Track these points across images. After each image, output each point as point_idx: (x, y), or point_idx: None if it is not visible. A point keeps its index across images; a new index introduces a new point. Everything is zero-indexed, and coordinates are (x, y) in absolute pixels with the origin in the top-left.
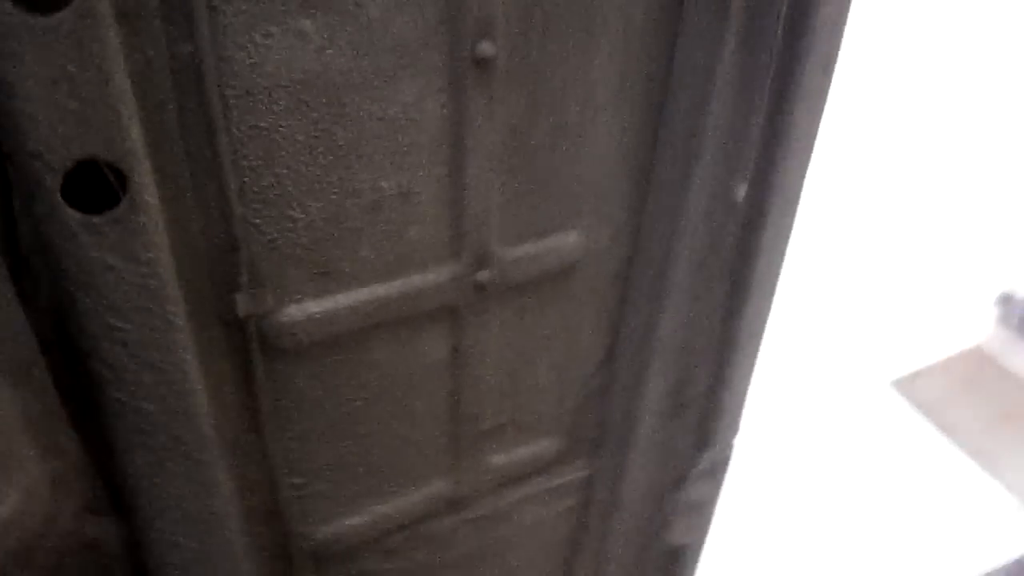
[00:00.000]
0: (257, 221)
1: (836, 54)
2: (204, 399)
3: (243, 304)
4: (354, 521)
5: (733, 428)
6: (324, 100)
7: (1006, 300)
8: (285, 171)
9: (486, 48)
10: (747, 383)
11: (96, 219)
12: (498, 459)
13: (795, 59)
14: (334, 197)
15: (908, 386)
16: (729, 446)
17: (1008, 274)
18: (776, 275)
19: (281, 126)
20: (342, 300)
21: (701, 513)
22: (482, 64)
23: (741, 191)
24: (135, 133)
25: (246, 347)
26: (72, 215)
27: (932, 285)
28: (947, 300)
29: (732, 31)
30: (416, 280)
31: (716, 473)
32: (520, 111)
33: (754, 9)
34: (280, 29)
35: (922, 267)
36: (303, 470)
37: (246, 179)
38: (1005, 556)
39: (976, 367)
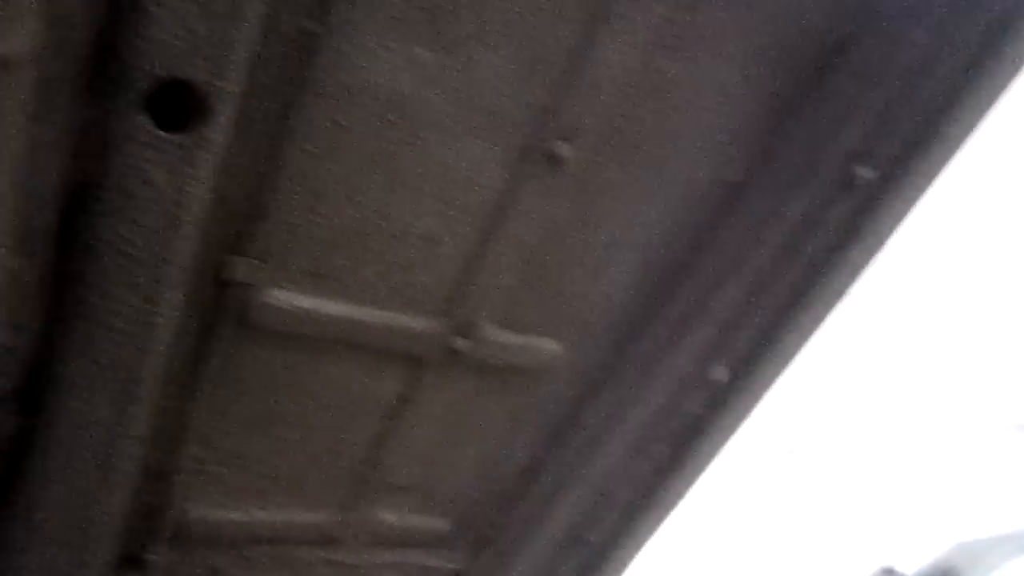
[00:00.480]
0: (293, 202)
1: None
2: (164, 339)
3: (241, 269)
4: (232, 516)
5: None
6: (404, 125)
7: None
8: (339, 170)
9: (563, 149)
10: (643, 546)
11: (166, 135)
12: (389, 517)
13: (830, 267)
14: (370, 213)
15: None
16: None
17: None
18: (715, 453)
19: (356, 130)
20: (328, 306)
21: None
22: (554, 161)
23: (722, 373)
24: (239, 75)
25: (222, 310)
26: (145, 122)
27: None
28: None
29: (776, 244)
30: (401, 319)
31: None
32: (565, 218)
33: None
34: (400, 47)
35: None
36: (211, 446)
37: (302, 163)
38: None
39: None
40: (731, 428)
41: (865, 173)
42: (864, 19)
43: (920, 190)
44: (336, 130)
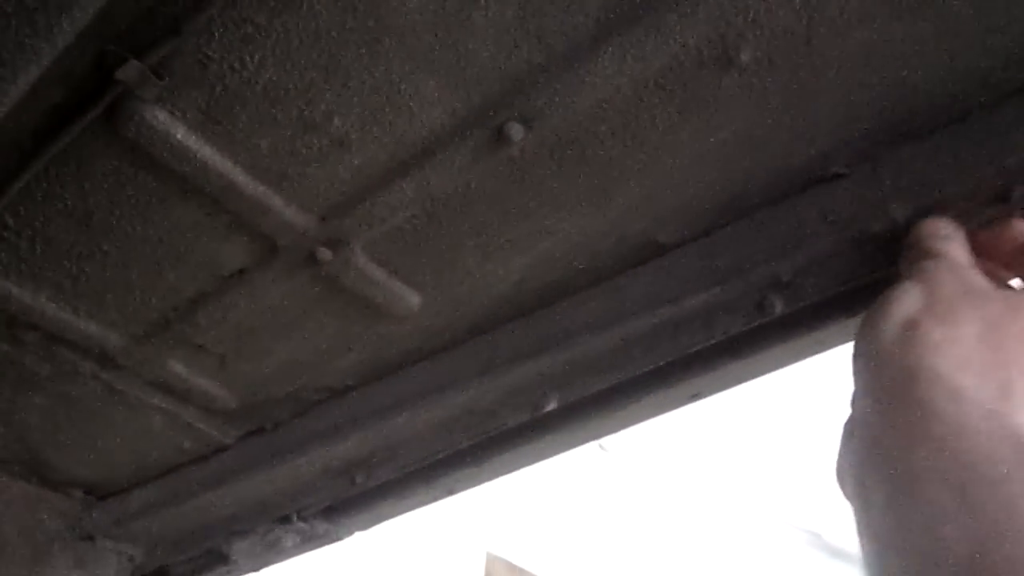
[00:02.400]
0: (215, 35)
1: None
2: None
3: (132, 74)
4: (17, 292)
5: None
6: (370, 25)
7: None
8: (281, 30)
9: (515, 130)
10: (408, 510)
11: None
12: (178, 368)
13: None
14: (293, 87)
15: None
16: None
17: None
18: (518, 467)
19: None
20: (207, 153)
21: None
22: (501, 137)
23: (551, 402)
24: None
25: (99, 103)
26: None
27: None
28: None
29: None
30: (275, 202)
31: None
32: (488, 193)
33: None
34: None
35: None
36: (23, 219)
37: (244, 3)
38: None
39: None
40: (543, 455)
41: (778, 303)
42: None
43: None
44: None
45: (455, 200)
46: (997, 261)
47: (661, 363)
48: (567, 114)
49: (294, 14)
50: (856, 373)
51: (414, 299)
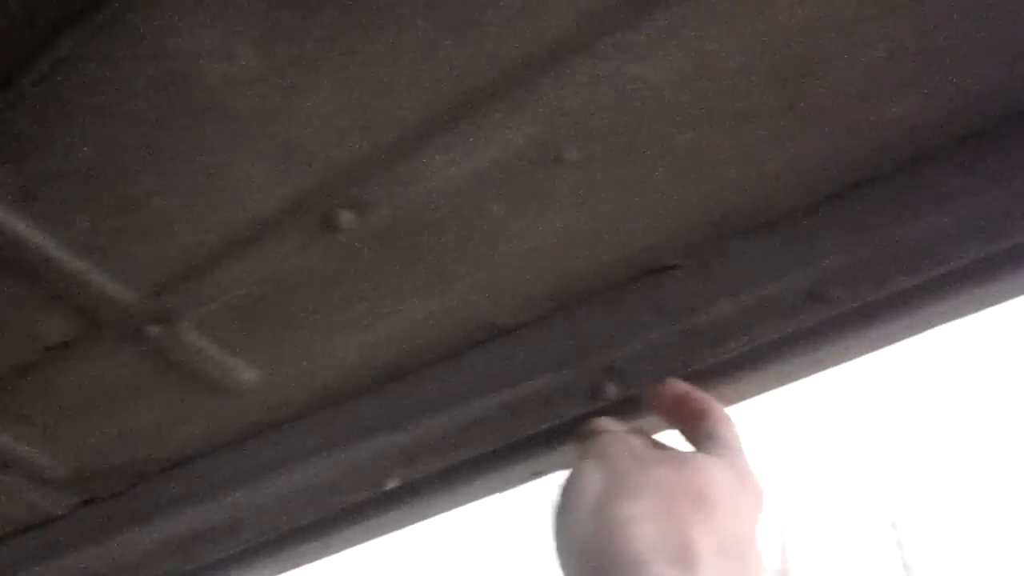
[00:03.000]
0: (37, 108)
1: None
2: None
3: None
4: None
5: None
6: (194, 107)
7: None
8: (105, 106)
9: (345, 218)
10: None
11: None
12: (1, 438)
13: None
14: (112, 164)
15: None
16: None
17: None
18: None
19: (141, 83)
20: (20, 228)
21: None
22: (330, 223)
23: (393, 481)
24: None
25: None
26: None
27: None
28: None
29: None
30: (97, 278)
31: None
32: (321, 275)
33: None
34: (222, 37)
35: None
36: None
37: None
38: None
39: None
40: (387, 530)
41: (612, 389)
42: None
43: None
44: (116, 71)
45: (289, 281)
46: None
47: (501, 444)
48: (399, 203)
49: (110, 95)
50: (562, 567)
51: (251, 374)
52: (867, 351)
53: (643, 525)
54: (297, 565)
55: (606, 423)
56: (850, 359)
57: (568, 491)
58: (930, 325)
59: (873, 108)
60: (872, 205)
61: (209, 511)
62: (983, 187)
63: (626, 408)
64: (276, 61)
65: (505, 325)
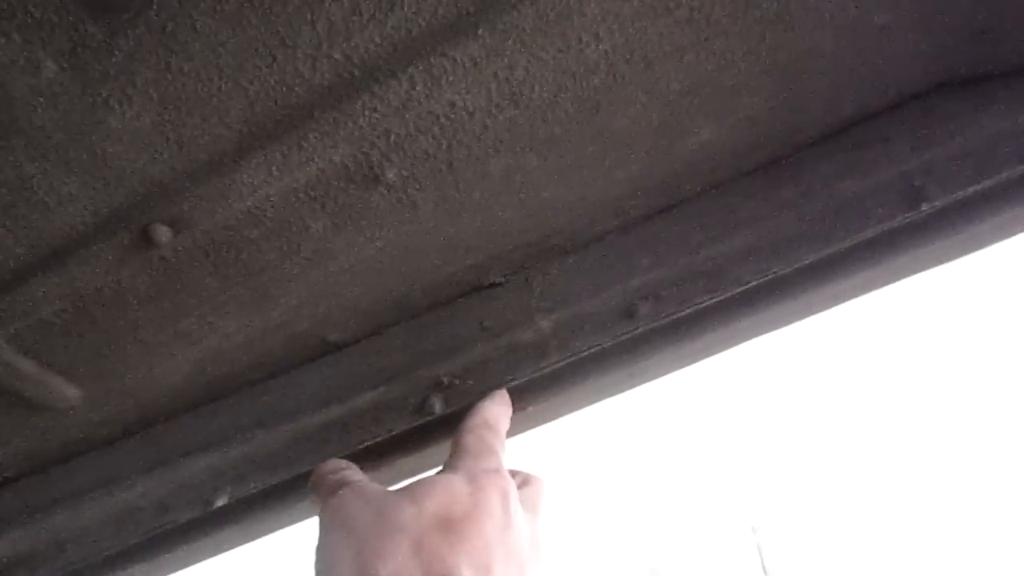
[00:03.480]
0: None
1: None
2: None
3: None
4: None
5: None
6: None
7: None
8: None
9: (163, 234)
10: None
11: None
12: None
13: None
14: None
15: None
16: None
17: None
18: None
19: None
20: None
21: None
22: (147, 240)
23: (222, 499)
24: None
25: None
26: None
27: None
28: None
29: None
30: None
31: None
32: (139, 292)
33: None
34: (27, 50)
35: None
36: None
37: None
38: None
39: None
40: (219, 549)
41: (438, 404)
42: None
43: None
44: None
45: (106, 296)
46: None
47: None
48: (217, 219)
49: None
50: None
51: (72, 391)
52: (677, 367)
53: (392, 563)
54: None
55: (339, 470)
56: (662, 374)
57: (322, 567)
58: (735, 342)
59: (674, 137)
60: (677, 228)
61: (30, 534)
62: (775, 212)
63: (453, 422)
64: (86, 76)
65: (335, 341)
